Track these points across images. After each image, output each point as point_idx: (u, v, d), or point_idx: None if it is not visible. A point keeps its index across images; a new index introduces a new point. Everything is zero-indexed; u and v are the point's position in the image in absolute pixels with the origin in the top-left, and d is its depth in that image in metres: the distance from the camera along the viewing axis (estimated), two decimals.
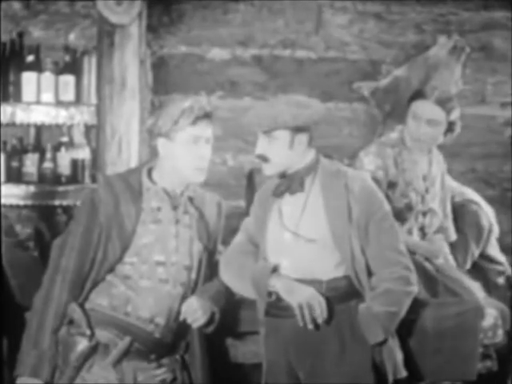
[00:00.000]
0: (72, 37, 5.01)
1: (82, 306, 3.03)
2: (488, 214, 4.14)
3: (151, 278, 3.04)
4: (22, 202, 4.61)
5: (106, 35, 4.51)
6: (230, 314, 3.31)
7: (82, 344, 2.96)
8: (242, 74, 5.20)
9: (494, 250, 4.15)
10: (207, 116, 3.09)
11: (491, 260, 4.13)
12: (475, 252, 4.06)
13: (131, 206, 3.06)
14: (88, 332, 2.96)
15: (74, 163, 4.66)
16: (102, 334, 3.00)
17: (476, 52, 5.23)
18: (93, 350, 2.99)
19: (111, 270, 3.05)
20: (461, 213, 4.06)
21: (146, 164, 3.22)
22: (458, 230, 4.02)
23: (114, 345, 2.99)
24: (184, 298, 3.09)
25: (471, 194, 4.18)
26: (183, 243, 3.12)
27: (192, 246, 3.13)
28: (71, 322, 3.01)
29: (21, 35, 4.75)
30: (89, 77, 4.67)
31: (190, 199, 3.16)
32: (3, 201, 4.53)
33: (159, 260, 3.06)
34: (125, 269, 3.04)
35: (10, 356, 3.28)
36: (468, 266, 4.03)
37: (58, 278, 3.03)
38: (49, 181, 4.64)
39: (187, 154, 3.07)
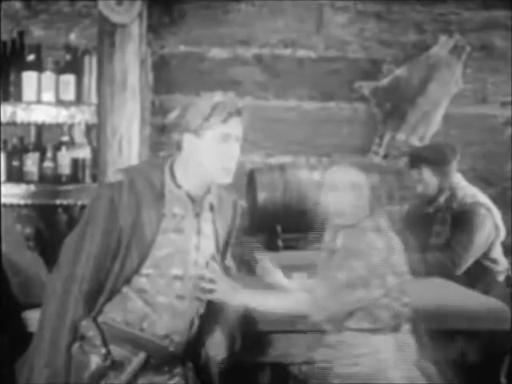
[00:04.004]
0: (73, 36, 5.02)
1: (95, 320, 2.80)
2: (496, 218, 4.12)
3: (168, 293, 2.81)
4: (22, 202, 4.60)
5: (107, 35, 4.50)
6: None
7: (96, 363, 2.76)
8: (243, 74, 5.20)
9: (497, 253, 4.15)
10: (238, 113, 2.84)
11: (493, 261, 4.13)
12: (477, 254, 4.07)
13: (153, 210, 2.78)
14: (103, 351, 2.77)
15: (75, 163, 4.66)
16: (116, 350, 2.80)
17: (477, 51, 5.23)
18: (108, 369, 2.78)
19: (128, 281, 2.80)
20: (469, 215, 4.06)
21: (167, 159, 2.92)
22: (465, 231, 4.03)
23: (128, 362, 2.80)
24: (199, 311, 2.90)
25: (482, 197, 4.17)
26: (203, 256, 2.89)
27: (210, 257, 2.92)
28: (83, 338, 2.78)
29: (21, 34, 4.74)
30: (89, 76, 4.67)
31: (211, 206, 2.91)
32: (3, 200, 4.53)
33: (177, 274, 2.82)
34: (140, 281, 2.80)
35: (9, 355, 3.26)
36: (463, 268, 4.03)
37: (74, 289, 2.75)
38: (49, 180, 4.64)
39: (216, 153, 2.80)
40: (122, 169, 3.03)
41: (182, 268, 2.82)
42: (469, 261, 4.05)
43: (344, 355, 2.81)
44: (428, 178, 4.18)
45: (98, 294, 2.78)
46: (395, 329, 2.78)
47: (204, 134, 2.80)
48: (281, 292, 2.86)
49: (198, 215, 2.86)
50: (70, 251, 2.79)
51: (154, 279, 2.80)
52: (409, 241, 4.19)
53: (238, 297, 2.86)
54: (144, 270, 2.79)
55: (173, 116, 2.90)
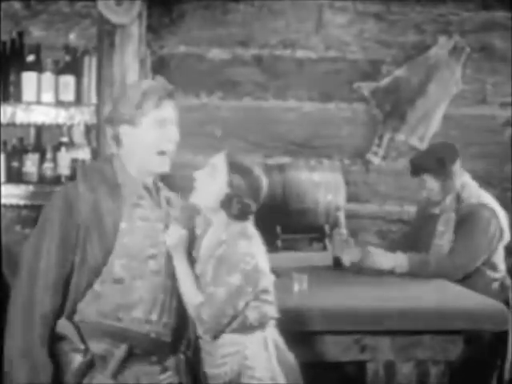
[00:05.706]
0: (72, 37, 5.02)
1: (70, 318, 2.77)
2: (501, 221, 4.08)
3: (143, 273, 2.78)
4: (22, 202, 4.61)
5: (107, 35, 4.51)
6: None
7: (77, 360, 2.73)
8: (242, 74, 5.21)
9: (498, 258, 4.09)
10: (170, 96, 2.83)
11: (492, 266, 4.07)
12: (481, 257, 4.02)
13: (111, 200, 2.77)
14: (82, 347, 2.73)
15: (74, 163, 4.66)
16: (97, 346, 2.76)
17: (476, 52, 5.24)
18: (89, 365, 2.75)
19: (96, 274, 2.76)
20: (473, 217, 4.02)
21: (114, 155, 2.92)
22: (469, 234, 4.00)
23: (110, 355, 2.75)
24: (175, 290, 2.84)
25: (488, 199, 4.13)
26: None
27: None
28: (61, 338, 2.76)
29: (21, 35, 4.75)
30: (89, 77, 4.67)
31: (168, 201, 2.90)
32: (3, 201, 4.54)
33: (149, 254, 2.79)
34: (114, 271, 2.76)
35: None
36: (465, 272, 4.00)
37: (39, 282, 2.73)
38: (49, 181, 4.64)
39: (152, 139, 2.79)
40: (81, 167, 3.07)
41: (155, 248, 2.80)
42: (471, 265, 4.00)
43: (213, 356, 2.83)
44: (430, 185, 4.14)
45: (65, 289, 2.76)
46: (261, 327, 2.81)
47: (139, 123, 2.79)
48: (200, 291, 2.82)
49: (159, 205, 2.86)
50: (30, 251, 2.78)
51: (128, 265, 2.76)
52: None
53: (177, 255, 2.82)
54: (117, 260, 2.75)
55: (106, 112, 2.90)
